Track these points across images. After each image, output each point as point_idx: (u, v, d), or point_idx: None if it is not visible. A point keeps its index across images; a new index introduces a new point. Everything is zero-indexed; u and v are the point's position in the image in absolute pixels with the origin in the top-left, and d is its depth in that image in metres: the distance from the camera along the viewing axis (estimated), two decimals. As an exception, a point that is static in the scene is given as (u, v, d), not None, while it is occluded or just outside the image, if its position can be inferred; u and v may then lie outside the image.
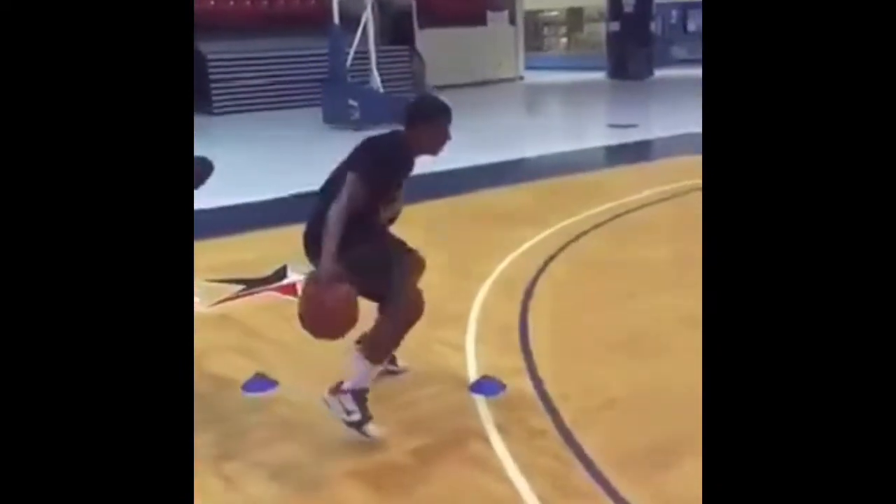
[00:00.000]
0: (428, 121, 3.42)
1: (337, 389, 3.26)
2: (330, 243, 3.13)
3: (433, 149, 3.45)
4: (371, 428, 3.25)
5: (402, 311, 3.31)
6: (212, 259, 5.64)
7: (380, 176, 3.32)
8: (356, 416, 3.23)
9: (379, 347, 3.36)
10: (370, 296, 3.36)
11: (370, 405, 3.27)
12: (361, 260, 3.18)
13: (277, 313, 4.81)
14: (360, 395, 3.26)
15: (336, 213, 3.15)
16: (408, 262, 3.57)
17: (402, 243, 3.60)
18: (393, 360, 3.83)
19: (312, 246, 3.31)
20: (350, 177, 3.24)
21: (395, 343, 3.44)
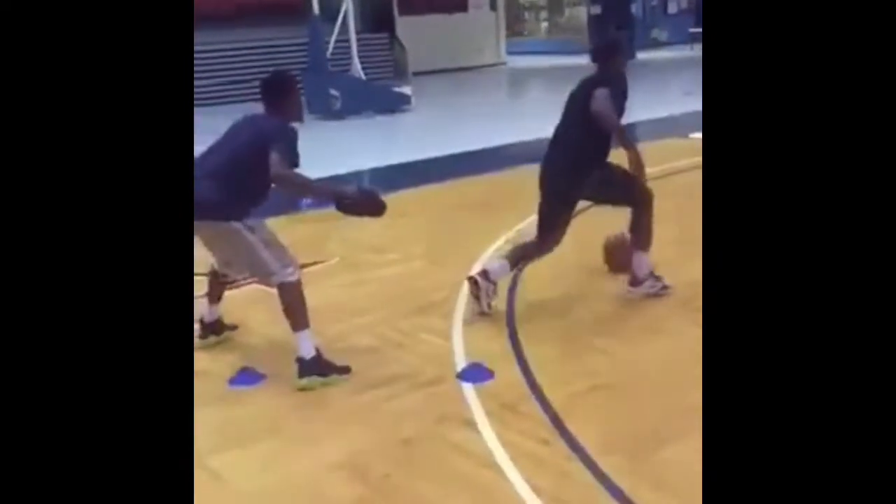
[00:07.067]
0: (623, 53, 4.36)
1: (485, 276, 4.31)
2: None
3: None
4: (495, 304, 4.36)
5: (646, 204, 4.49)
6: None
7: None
8: (493, 300, 4.34)
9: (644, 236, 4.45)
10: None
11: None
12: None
13: (263, 306, 4.77)
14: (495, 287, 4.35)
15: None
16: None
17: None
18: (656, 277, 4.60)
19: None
20: (602, 92, 4.39)
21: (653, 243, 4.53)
